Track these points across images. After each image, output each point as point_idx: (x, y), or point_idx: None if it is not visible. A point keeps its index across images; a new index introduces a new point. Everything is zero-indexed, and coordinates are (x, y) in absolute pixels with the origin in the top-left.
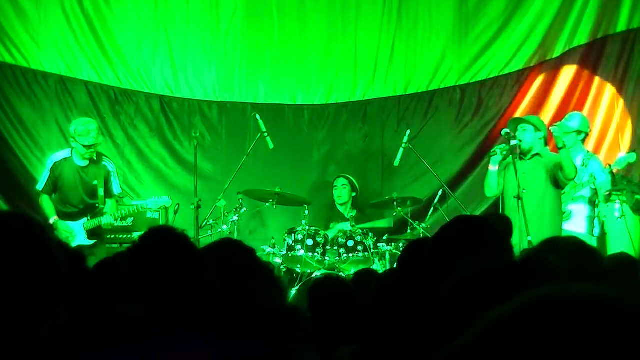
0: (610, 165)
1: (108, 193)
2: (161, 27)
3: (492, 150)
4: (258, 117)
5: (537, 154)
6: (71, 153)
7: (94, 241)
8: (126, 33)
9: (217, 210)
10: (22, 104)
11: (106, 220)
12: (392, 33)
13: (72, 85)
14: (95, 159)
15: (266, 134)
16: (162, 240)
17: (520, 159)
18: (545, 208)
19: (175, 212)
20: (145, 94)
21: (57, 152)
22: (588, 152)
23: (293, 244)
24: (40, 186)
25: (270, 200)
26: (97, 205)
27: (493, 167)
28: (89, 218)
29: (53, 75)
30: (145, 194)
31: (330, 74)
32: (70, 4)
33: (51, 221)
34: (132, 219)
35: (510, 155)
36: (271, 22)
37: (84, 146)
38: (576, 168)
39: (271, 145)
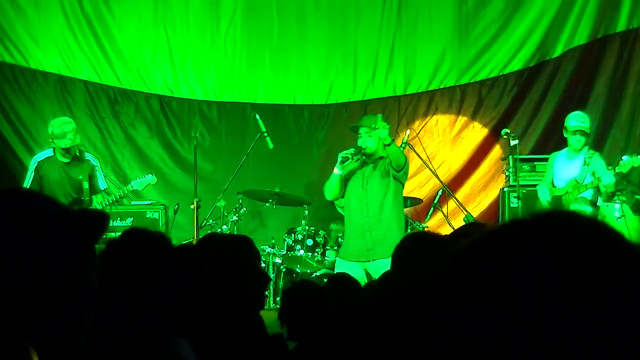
0: (612, 169)
1: (94, 188)
2: (161, 27)
3: (343, 155)
4: (258, 117)
5: (382, 157)
6: (53, 152)
7: None
8: (126, 33)
9: (216, 210)
10: (21, 103)
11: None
12: (392, 33)
13: (71, 85)
14: (78, 154)
15: (266, 134)
16: (134, 242)
17: (365, 163)
18: (388, 210)
19: (175, 212)
20: (145, 94)
21: (39, 152)
22: (589, 150)
23: (293, 244)
24: (25, 186)
25: (270, 200)
26: (82, 199)
27: (338, 171)
28: None
29: (52, 74)
30: (145, 193)
31: (330, 74)
32: (70, 3)
33: None
34: (132, 219)
35: (512, 158)
36: (271, 22)
37: (62, 148)
38: (405, 157)
39: (271, 146)
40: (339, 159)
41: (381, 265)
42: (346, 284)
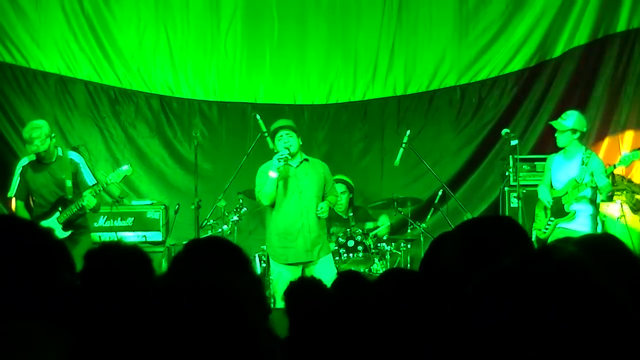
0: (612, 166)
1: (83, 185)
2: (161, 27)
3: (279, 157)
4: (258, 117)
5: (305, 159)
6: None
7: (69, 232)
8: (126, 33)
9: (217, 210)
10: (22, 104)
11: (86, 201)
12: (392, 33)
13: (72, 85)
14: (61, 154)
15: (266, 134)
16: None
17: (289, 165)
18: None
19: (176, 212)
20: (145, 94)
21: (23, 157)
22: (587, 150)
23: None
24: (12, 193)
25: None
26: (66, 197)
27: (275, 175)
28: (60, 211)
29: (53, 75)
30: (146, 194)
31: (330, 74)
32: (70, 4)
33: None
34: (132, 218)
35: (512, 158)
36: (271, 22)
37: (34, 153)
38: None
39: (271, 146)
40: (275, 163)
41: (321, 266)
42: (355, 281)
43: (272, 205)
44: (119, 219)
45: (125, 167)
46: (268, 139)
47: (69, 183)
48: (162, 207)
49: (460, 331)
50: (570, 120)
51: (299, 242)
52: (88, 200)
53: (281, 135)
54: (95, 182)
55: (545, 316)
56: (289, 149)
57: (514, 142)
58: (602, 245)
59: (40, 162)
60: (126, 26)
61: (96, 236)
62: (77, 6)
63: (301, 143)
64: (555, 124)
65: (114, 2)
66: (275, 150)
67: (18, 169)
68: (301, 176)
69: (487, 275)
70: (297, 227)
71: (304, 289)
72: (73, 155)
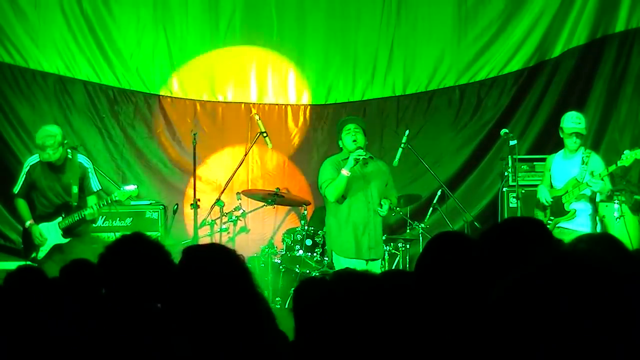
0: (614, 164)
1: (87, 190)
2: (160, 27)
3: (356, 157)
4: (257, 117)
5: (370, 157)
6: None
7: (68, 239)
8: (125, 33)
9: (216, 210)
10: (21, 104)
11: (89, 211)
12: (391, 33)
13: (71, 85)
14: (70, 157)
15: (265, 134)
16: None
17: (365, 162)
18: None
19: (174, 212)
20: (144, 94)
21: (32, 155)
22: (586, 149)
23: (292, 244)
24: (16, 189)
25: (270, 200)
26: (70, 203)
27: (347, 173)
28: (63, 216)
29: (52, 75)
30: (145, 194)
31: (329, 74)
32: (69, 4)
33: (27, 224)
34: (131, 219)
35: (511, 158)
36: (270, 22)
37: (45, 159)
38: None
39: (270, 146)
40: (351, 162)
41: (377, 265)
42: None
43: (339, 201)
44: (118, 219)
45: (132, 188)
46: (267, 139)
47: (75, 189)
48: (161, 207)
49: (483, 333)
50: (584, 122)
51: (364, 238)
52: (91, 212)
53: (349, 129)
54: (100, 187)
55: (585, 311)
56: (362, 148)
57: (512, 142)
58: (602, 244)
59: (49, 164)
60: (125, 26)
61: (95, 236)
62: (76, 7)
63: (367, 142)
64: (580, 130)
65: (113, 2)
66: (347, 150)
67: (26, 167)
68: (368, 173)
69: (521, 277)
70: (364, 223)
71: (314, 290)
72: (82, 159)
